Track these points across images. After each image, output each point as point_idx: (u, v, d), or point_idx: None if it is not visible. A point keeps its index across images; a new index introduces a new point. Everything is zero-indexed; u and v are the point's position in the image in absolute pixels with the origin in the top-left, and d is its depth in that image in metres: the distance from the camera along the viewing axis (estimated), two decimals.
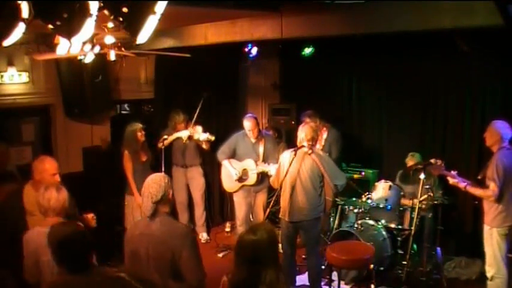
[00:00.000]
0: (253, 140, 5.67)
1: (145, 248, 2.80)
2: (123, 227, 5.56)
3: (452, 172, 4.53)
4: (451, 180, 4.51)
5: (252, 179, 5.64)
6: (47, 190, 3.10)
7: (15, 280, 2.90)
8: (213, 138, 5.85)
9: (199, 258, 2.79)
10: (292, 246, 4.84)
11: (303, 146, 4.56)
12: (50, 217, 3.07)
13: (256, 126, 5.57)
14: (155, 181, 2.85)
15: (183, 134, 5.98)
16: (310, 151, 4.56)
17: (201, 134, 5.91)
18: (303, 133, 4.61)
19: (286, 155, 4.66)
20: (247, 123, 5.56)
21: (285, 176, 4.52)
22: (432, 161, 4.61)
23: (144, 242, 2.81)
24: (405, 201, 5.42)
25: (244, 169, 5.66)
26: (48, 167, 3.70)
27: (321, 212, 4.72)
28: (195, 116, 6.01)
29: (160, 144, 5.83)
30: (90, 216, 3.79)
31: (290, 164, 4.50)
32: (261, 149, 5.63)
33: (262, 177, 5.66)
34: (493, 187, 4.20)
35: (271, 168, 5.38)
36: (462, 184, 4.40)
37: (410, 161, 5.48)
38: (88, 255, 2.50)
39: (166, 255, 2.73)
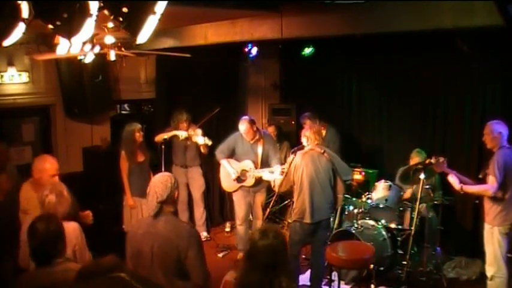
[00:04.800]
0: (251, 141, 5.66)
1: (149, 247, 2.80)
2: (121, 226, 5.58)
3: (452, 171, 4.53)
4: (449, 178, 4.51)
5: (250, 180, 5.64)
6: (47, 196, 3.06)
7: (13, 265, 2.95)
8: (210, 143, 5.85)
9: (204, 258, 2.81)
10: (301, 248, 4.87)
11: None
12: None
13: (250, 128, 5.53)
14: (162, 181, 2.84)
15: (181, 133, 5.98)
16: (322, 150, 4.65)
17: (199, 138, 5.91)
18: (314, 135, 4.70)
19: (296, 158, 4.69)
20: (242, 127, 5.54)
21: (301, 177, 4.59)
22: (433, 160, 4.61)
23: (149, 240, 2.81)
24: (407, 195, 5.41)
25: (243, 170, 5.66)
26: (48, 167, 3.68)
27: (333, 209, 4.82)
28: (201, 123, 6.04)
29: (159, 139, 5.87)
30: (86, 213, 3.79)
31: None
32: (259, 150, 5.62)
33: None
34: (491, 181, 4.20)
35: (263, 174, 5.40)
36: (458, 186, 4.40)
37: (415, 157, 5.42)
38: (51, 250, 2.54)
39: (172, 254, 2.74)
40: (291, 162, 4.60)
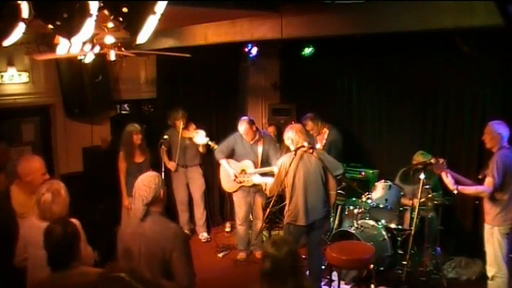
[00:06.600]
0: (250, 142, 5.65)
1: (137, 247, 2.82)
2: (119, 226, 5.57)
3: (449, 171, 4.53)
4: (444, 177, 4.51)
5: (249, 181, 5.63)
6: (43, 195, 3.00)
7: (7, 269, 2.95)
8: (215, 146, 5.83)
9: (189, 259, 2.80)
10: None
11: (302, 146, 4.58)
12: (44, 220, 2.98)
13: (250, 129, 5.52)
14: (145, 183, 2.83)
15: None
16: (311, 150, 4.60)
17: (202, 138, 5.92)
18: (299, 134, 4.64)
19: (285, 159, 4.65)
20: (241, 127, 5.53)
21: (293, 180, 4.55)
22: (433, 160, 4.61)
23: (137, 240, 2.83)
24: (405, 201, 5.41)
25: (243, 170, 5.65)
26: (38, 166, 3.58)
27: (328, 206, 4.76)
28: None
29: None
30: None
31: (290, 165, 4.51)
32: (259, 150, 5.62)
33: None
34: (488, 182, 4.20)
35: (254, 178, 5.39)
36: (453, 187, 4.40)
37: (420, 160, 5.38)
38: (69, 253, 2.52)
39: (157, 254, 2.75)
40: (291, 161, 4.57)
